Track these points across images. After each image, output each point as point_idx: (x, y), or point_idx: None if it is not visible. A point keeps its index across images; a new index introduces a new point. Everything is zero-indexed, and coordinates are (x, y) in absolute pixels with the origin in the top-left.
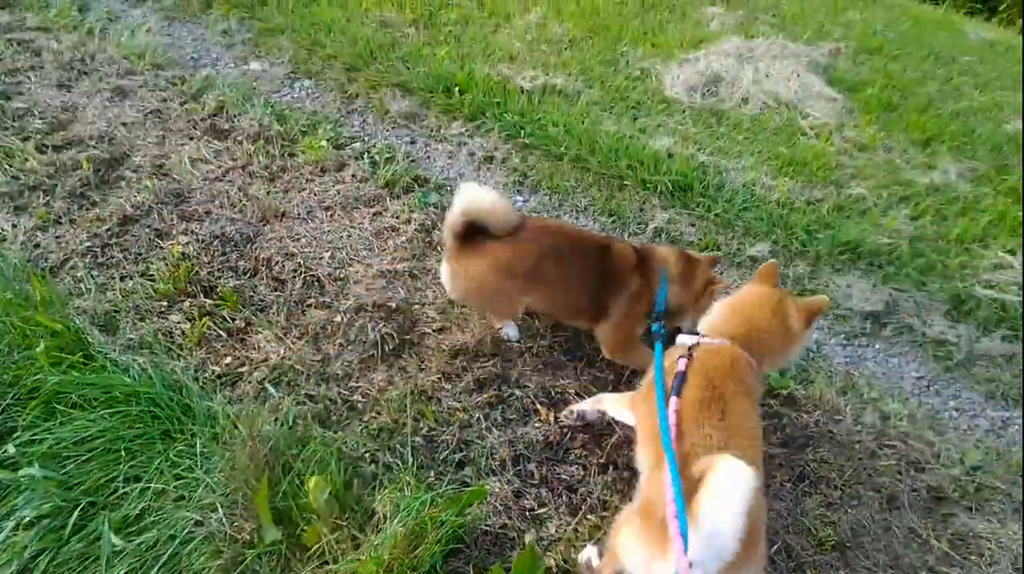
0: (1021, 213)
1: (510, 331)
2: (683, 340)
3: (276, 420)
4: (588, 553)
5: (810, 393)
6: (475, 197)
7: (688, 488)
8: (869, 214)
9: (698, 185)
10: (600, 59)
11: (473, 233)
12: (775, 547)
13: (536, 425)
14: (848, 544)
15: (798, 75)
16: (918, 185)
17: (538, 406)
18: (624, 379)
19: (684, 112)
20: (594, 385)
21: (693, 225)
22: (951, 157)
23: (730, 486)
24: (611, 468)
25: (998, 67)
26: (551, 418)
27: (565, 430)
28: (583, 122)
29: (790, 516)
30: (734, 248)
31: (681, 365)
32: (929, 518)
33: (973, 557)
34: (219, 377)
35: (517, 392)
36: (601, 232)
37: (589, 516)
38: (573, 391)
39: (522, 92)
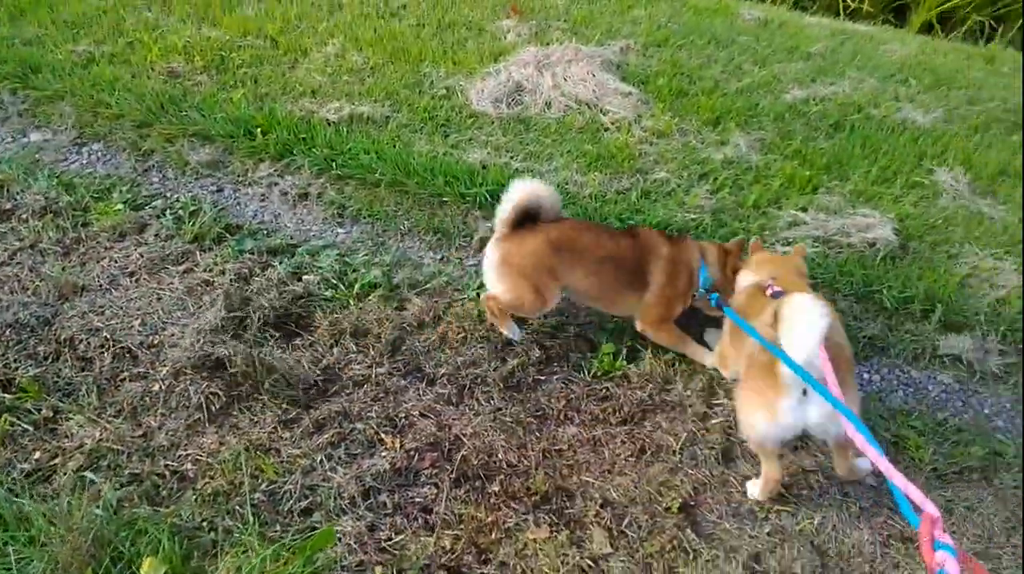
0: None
1: (514, 331)
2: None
3: (99, 507)
4: (751, 486)
5: (641, 370)
6: (530, 187)
7: None
8: (674, 194)
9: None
10: (404, 83)
11: (522, 222)
12: (626, 521)
13: (383, 454)
14: (692, 502)
15: (594, 75)
16: (714, 161)
17: (382, 435)
18: (464, 392)
19: (493, 124)
20: (437, 403)
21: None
22: (740, 131)
23: (803, 311)
24: (463, 480)
25: (772, 42)
26: (397, 445)
27: (412, 453)
28: (395, 146)
29: (636, 488)
30: None
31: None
32: (759, 466)
33: (805, 491)
34: (29, 475)
35: (359, 426)
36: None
37: (446, 531)
38: (417, 413)
39: (329, 124)
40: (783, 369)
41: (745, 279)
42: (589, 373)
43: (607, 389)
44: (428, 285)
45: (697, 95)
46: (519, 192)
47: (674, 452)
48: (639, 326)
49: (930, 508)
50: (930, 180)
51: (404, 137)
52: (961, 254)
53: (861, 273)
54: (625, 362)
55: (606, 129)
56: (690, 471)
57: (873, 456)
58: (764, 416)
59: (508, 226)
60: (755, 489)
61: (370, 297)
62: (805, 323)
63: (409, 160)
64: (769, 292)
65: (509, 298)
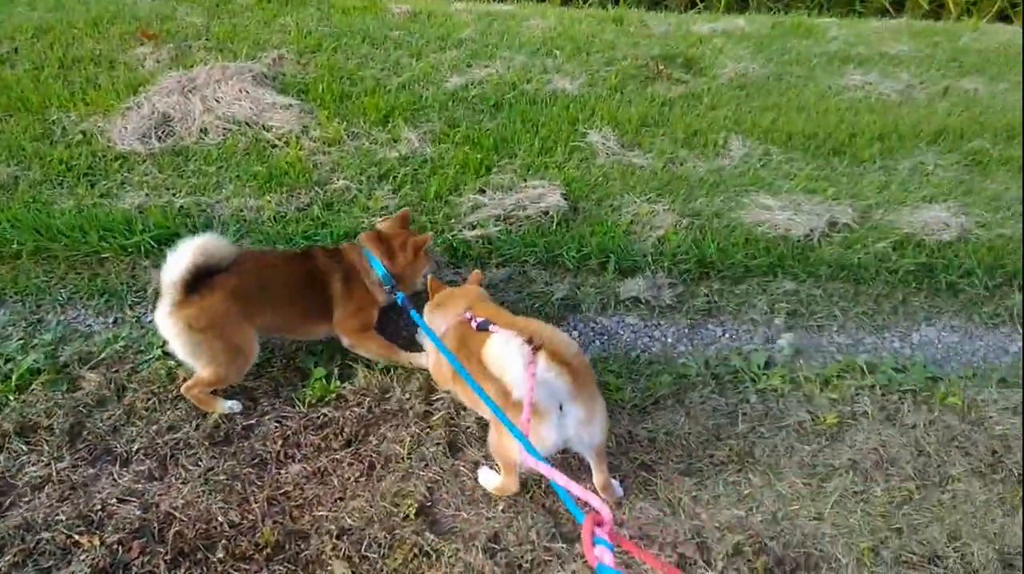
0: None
1: (231, 405)
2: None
3: None
4: (483, 473)
5: (357, 386)
6: (200, 243)
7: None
8: (356, 200)
9: (184, 231)
10: (30, 135)
11: (195, 281)
12: (364, 544)
13: (82, 558)
14: (429, 503)
15: (247, 92)
16: (390, 160)
17: (76, 537)
18: (167, 463)
19: (145, 162)
20: (137, 482)
21: None
22: (409, 126)
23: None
24: (181, 557)
25: (425, 34)
26: (96, 542)
27: (116, 546)
28: (30, 209)
29: (372, 507)
30: None
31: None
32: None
33: None
34: None
35: (46, 535)
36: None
37: None
38: (114, 501)
39: None
40: (536, 395)
41: (441, 319)
42: (304, 403)
43: (325, 415)
44: (103, 355)
45: (361, 96)
46: (187, 254)
47: (403, 459)
48: (345, 342)
49: (605, 512)
50: (585, 143)
51: (41, 196)
52: (623, 205)
53: (543, 241)
54: (339, 382)
55: (273, 146)
56: (421, 473)
57: (542, 467)
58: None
59: (182, 290)
60: (487, 482)
61: (33, 386)
62: (507, 362)
63: (51, 221)
64: (474, 325)
65: (212, 372)
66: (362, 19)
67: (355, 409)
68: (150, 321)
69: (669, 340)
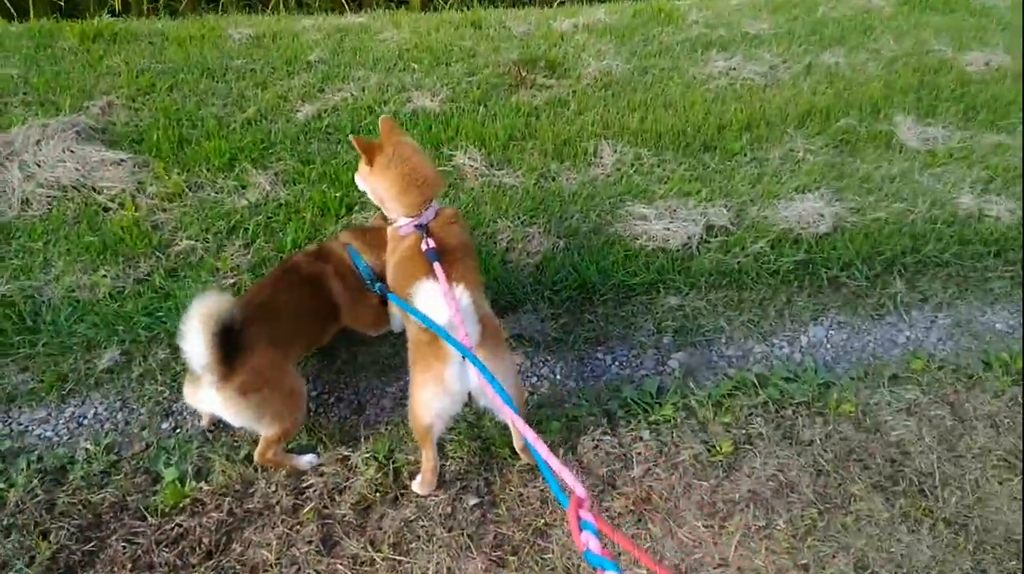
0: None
1: (308, 459)
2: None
3: None
4: (417, 479)
5: (215, 484)
6: (208, 312)
7: None
8: (204, 262)
9: (9, 325)
10: None
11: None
12: None
13: None
14: None
15: (72, 151)
16: (239, 211)
17: None
18: None
19: None
20: None
21: (25, 371)
22: (258, 169)
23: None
24: None
25: (270, 59)
26: None
27: None
28: None
29: None
30: (82, 369)
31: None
32: (368, 543)
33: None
34: None
35: None
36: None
37: None
38: None
39: None
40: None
41: (397, 210)
42: (156, 513)
43: (180, 525)
44: None
45: (201, 140)
46: (205, 329)
47: (270, 566)
48: (370, 334)
49: (579, 490)
50: (452, 166)
51: None
52: (496, 231)
53: None
54: (195, 482)
55: (106, 209)
56: (284, 570)
57: (530, 436)
58: (435, 390)
59: (221, 363)
60: (416, 484)
61: None
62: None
63: None
64: (424, 247)
65: (280, 427)
66: (200, 50)
67: (214, 514)
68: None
69: (558, 377)
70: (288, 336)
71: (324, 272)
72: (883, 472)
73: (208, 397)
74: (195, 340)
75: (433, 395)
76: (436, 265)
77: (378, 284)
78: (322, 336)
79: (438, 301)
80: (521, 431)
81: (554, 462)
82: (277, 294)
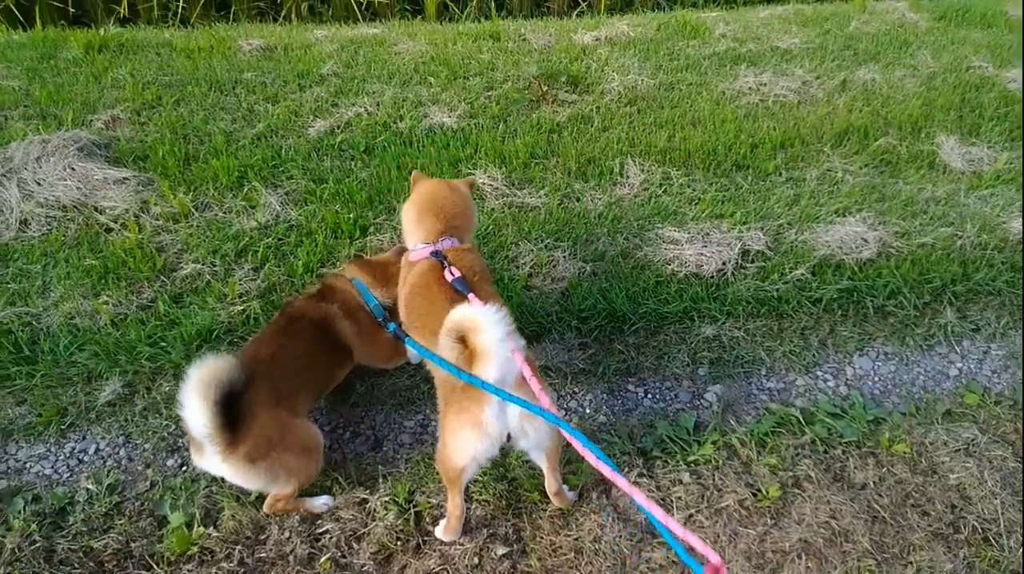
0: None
1: (321, 501)
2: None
3: None
4: (440, 525)
5: (224, 531)
6: (209, 378)
7: None
8: (210, 287)
9: (5, 354)
10: None
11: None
12: None
13: None
14: None
15: (74, 168)
16: (248, 233)
17: None
18: None
19: None
20: None
21: (22, 404)
22: (268, 188)
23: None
24: None
25: (281, 72)
26: None
27: None
28: None
29: None
30: (83, 401)
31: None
32: None
33: None
34: None
35: None
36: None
37: None
38: None
39: None
40: (490, 373)
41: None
42: (162, 563)
43: None
44: None
45: (208, 157)
46: (205, 398)
47: None
48: (388, 367)
49: (713, 558)
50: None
51: None
52: (519, 255)
53: None
54: (203, 528)
55: (108, 230)
56: None
57: (639, 498)
58: (473, 433)
59: (224, 432)
60: (440, 530)
61: None
62: (489, 339)
63: None
64: (448, 277)
65: (295, 482)
66: (208, 62)
67: (224, 564)
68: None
69: (587, 410)
70: (297, 389)
71: (331, 314)
72: (943, 519)
73: (214, 466)
74: (195, 410)
75: (470, 439)
76: (472, 296)
77: (391, 324)
78: (335, 381)
79: (487, 331)
80: (624, 488)
81: (675, 526)
82: (282, 346)
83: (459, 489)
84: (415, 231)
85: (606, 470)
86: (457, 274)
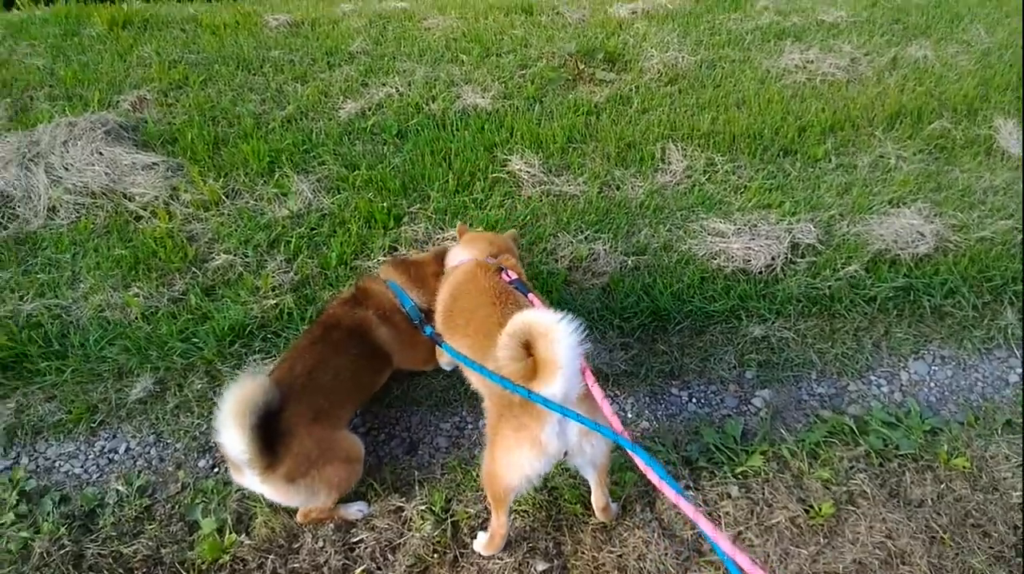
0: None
1: (358, 508)
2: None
3: None
4: (480, 538)
5: (257, 539)
6: (246, 402)
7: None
8: (243, 279)
9: (35, 348)
10: None
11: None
12: None
13: None
14: None
15: (101, 153)
16: (281, 222)
17: None
18: None
19: None
20: None
21: (52, 400)
22: (299, 174)
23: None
24: None
25: (309, 50)
26: None
27: None
28: None
29: None
30: (113, 398)
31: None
32: None
33: None
34: None
35: None
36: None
37: None
38: None
39: None
40: (544, 391)
41: (458, 255)
42: (193, 571)
43: None
44: None
45: (238, 141)
46: (242, 422)
47: None
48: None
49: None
50: (507, 172)
51: None
52: (557, 247)
53: None
54: (235, 534)
55: (138, 218)
56: None
57: (706, 528)
58: (530, 452)
59: (262, 455)
60: (481, 544)
61: None
62: (561, 348)
63: None
64: (506, 279)
65: (336, 494)
66: (235, 39)
67: (256, 573)
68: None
69: (629, 415)
70: (337, 402)
71: (367, 320)
72: (1006, 541)
73: (254, 485)
74: (232, 437)
75: (527, 458)
76: (532, 297)
77: (428, 328)
78: (375, 388)
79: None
80: (688, 514)
81: (743, 560)
82: (319, 358)
83: (505, 508)
84: (461, 254)
85: (669, 492)
86: (514, 276)
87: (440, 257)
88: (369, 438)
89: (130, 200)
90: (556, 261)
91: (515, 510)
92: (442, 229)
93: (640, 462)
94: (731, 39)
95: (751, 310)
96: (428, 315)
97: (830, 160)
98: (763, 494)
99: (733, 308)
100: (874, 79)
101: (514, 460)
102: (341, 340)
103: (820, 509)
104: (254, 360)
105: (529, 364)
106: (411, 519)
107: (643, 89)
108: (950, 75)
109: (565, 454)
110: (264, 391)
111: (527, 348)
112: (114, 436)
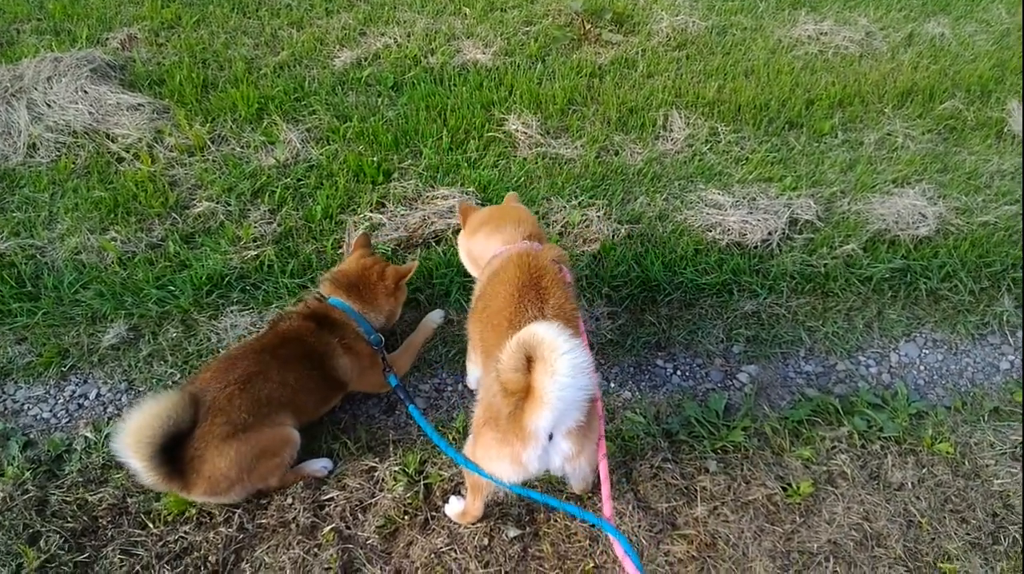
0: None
1: (323, 463)
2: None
3: None
4: (452, 504)
5: None
6: (144, 423)
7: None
8: (224, 229)
9: (7, 289)
10: None
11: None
12: None
13: None
14: None
15: (86, 91)
16: (266, 171)
17: None
18: None
19: None
20: None
21: (23, 342)
22: (289, 123)
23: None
24: None
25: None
26: None
27: None
28: None
29: None
30: (85, 343)
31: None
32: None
33: None
34: None
35: None
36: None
37: None
38: None
39: None
40: (528, 419)
41: (492, 245)
42: (159, 522)
43: (184, 537)
44: None
45: (227, 86)
46: (138, 441)
47: None
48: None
49: None
50: (503, 132)
51: None
52: (550, 211)
53: (452, 271)
54: None
55: (120, 160)
56: None
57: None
58: (511, 469)
59: (168, 476)
60: (453, 511)
61: None
62: (553, 385)
63: None
64: (568, 278)
65: (271, 482)
66: None
67: (223, 528)
68: None
69: (612, 385)
70: (267, 418)
71: (331, 348)
72: (983, 528)
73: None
74: (131, 464)
75: (506, 471)
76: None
77: (392, 377)
78: (320, 413)
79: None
80: None
81: None
82: (261, 369)
83: (482, 497)
84: (489, 243)
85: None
86: (570, 279)
87: (367, 247)
88: (346, 395)
89: (113, 141)
90: (548, 225)
91: None
92: (432, 187)
93: (619, 549)
94: (744, 5)
95: (743, 285)
96: (387, 326)
97: (836, 135)
98: (742, 470)
99: (725, 282)
100: (888, 55)
101: (493, 468)
102: (295, 357)
103: (798, 487)
104: (231, 311)
105: (523, 382)
106: (383, 479)
107: (650, 53)
108: (966, 54)
109: (547, 471)
110: (169, 415)
111: (529, 363)
112: (85, 381)
